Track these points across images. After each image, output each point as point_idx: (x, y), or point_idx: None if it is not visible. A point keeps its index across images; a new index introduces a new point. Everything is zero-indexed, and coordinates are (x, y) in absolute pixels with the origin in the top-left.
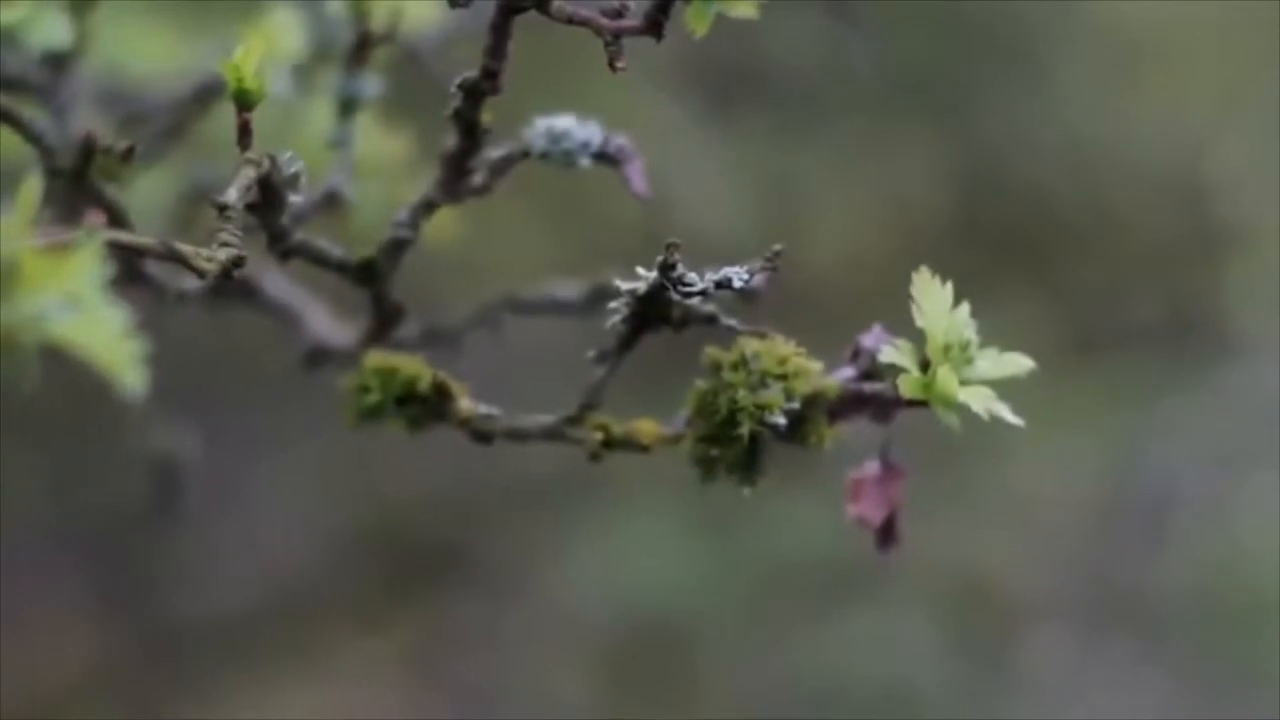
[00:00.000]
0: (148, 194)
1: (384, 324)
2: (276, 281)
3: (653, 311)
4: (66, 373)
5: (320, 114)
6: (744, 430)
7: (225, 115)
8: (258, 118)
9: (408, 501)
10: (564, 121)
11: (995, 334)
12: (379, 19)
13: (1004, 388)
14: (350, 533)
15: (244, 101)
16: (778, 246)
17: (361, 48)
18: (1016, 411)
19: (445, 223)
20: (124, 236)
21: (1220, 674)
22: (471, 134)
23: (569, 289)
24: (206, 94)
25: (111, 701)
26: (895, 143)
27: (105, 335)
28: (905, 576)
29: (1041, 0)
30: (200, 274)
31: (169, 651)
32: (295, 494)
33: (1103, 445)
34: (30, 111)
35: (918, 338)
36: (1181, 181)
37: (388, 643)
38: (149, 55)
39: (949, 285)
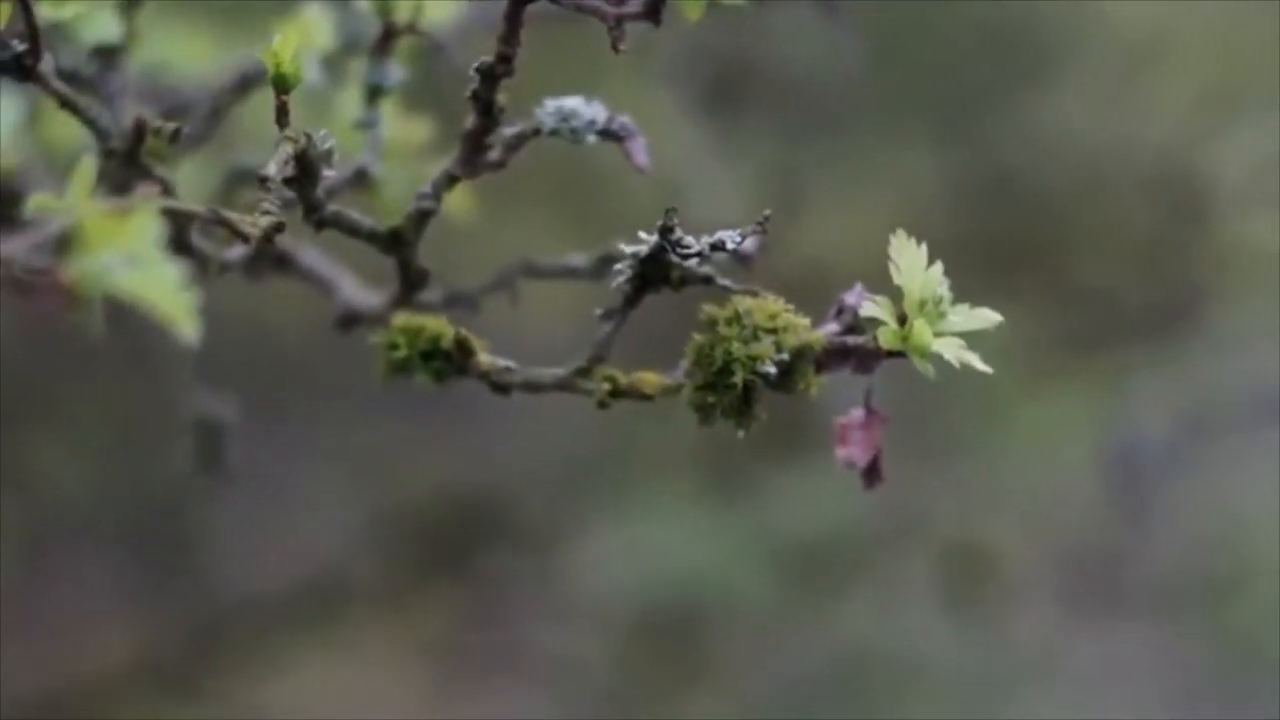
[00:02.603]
0: (188, 180)
1: (410, 288)
2: (310, 254)
3: (654, 272)
4: (104, 366)
5: (350, 101)
6: (738, 379)
7: (261, 108)
8: (293, 107)
9: (433, 487)
10: (572, 102)
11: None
12: (402, 13)
13: (1004, 373)
14: (376, 517)
15: (282, 85)
16: (767, 212)
17: (386, 39)
18: (1015, 395)
19: (465, 201)
20: (177, 204)
21: (1212, 642)
22: (488, 113)
23: (579, 258)
24: (246, 82)
25: (145, 689)
26: (896, 141)
27: (163, 288)
28: (911, 553)
29: (1043, 1)
30: (245, 238)
31: (202, 637)
32: (322, 480)
33: (1096, 429)
34: (84, 101)
35: (897, 295)
36: (1176, 178)
37: (413, 626)
38: (187, 55)
39: (924, 246)
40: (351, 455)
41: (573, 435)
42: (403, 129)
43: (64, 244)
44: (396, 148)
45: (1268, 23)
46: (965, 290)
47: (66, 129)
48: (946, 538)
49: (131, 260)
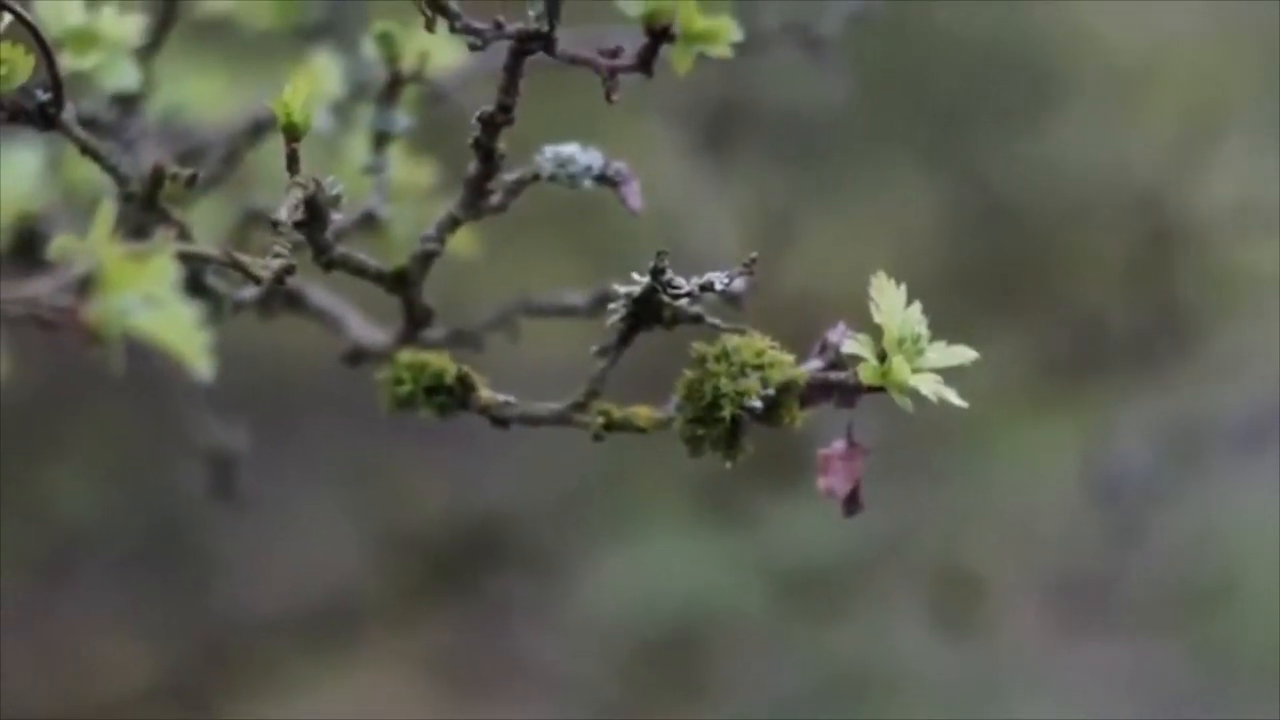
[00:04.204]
0: (205, 219)
1: (415, 326)
2: (319, 293)
3: (646, 311)
4: (116, 394)
5: (358, 146)
6: (726, 413)
7: (274, 151)
8: (304, 151)
9: (439, 511)
10: (569, 148)
11: (986, 354)
12: (408, 62)
13: (994, 398)
14: (384, 540)
15: (292, 133)
16: (753, 254)
17: (393, 87)
18: (1005, 419)
19: (468, 241)
20: (192, 248)
21: (1194, 654)
22: (489, 160)
23: (577, 296)
24: (259, 127)
25: (157, 711)
26: (888, 173)
27: (180, 328)
28: (903, 575)
29: (1034, 31)
30: (257, 280)
31: (212, 658)
32: (330, 504)
33: (1083, 452)
34: (105, 147)
35: (878, 332)
36: (1165, 205)
37: (420, 646)
38: (203, 99)
39: (903, 286)
40: (359, 480)
41: (575, 461)
42: (409, 172)
43: (86, 284)
44: (403, 189)
45: (1256, 49)
46: (957, 317)
47: (88, 173)
48: (937, 559)
49: (150, 301)
